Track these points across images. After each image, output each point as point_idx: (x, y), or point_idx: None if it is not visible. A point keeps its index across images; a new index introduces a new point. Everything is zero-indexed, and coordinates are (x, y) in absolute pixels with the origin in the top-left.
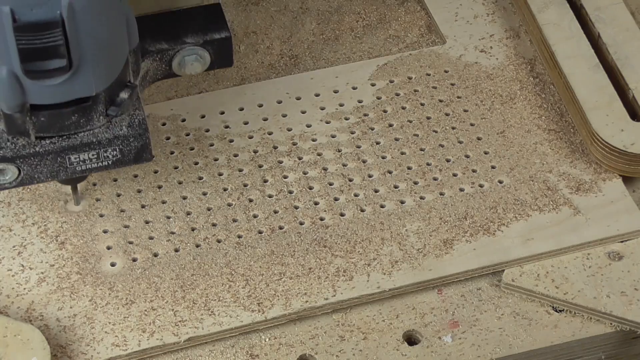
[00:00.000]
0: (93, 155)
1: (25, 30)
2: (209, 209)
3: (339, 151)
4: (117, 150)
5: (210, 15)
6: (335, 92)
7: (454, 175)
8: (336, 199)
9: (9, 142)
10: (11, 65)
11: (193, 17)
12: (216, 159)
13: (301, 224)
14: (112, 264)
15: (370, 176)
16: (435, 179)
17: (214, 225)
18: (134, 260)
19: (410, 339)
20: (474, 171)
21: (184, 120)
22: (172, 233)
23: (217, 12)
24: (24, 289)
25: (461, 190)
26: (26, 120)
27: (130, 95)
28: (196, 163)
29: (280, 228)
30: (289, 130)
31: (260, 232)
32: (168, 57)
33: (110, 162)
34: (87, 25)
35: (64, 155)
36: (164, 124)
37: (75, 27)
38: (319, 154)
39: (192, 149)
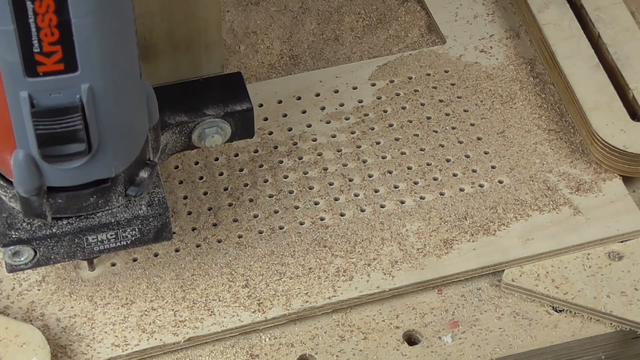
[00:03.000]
0: (111, 235)
1: (44, 115)
2: (209, 209)
3: (339, 151)
4: (137, 229)
5: (231, 85)
6: (335, 92)
7: (454, 175)
8: (336, 199)
9: (24, 224)
10: (29, 149)
11: (213, 87)
12: (216, 159)
13: (301, 224)
14: (113, 264)
15: (370, 176)
16: (435, 179)
17: (214, 225)
18: (134, 260)
19: (410, 339)
20: (474, 171)
21: None
22: (172, 233)
23: (238, 81)
24: (24, 289)
25: (461, 190)
26: (43, 203)
27: (150, 174)
28: (196, 163)
29: (281, 228)
30: (289, 130)
31: (260, 232)
32: (188, 130)
33: (129, 242)
34: (106, 108)
35: (81, 236)
36: None
37: (94, 111)
38: (319, 154)
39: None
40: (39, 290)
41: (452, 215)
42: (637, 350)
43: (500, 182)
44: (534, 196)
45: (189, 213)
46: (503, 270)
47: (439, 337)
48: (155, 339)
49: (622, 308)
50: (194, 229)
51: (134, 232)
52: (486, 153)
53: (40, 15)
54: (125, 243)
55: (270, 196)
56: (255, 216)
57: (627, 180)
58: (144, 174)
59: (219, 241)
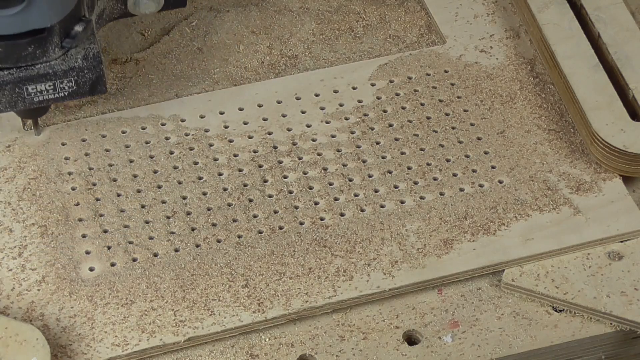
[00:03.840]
0: (49, 86)
1: None
2: (209, 209)
3: (339, 151)
4: (73, 81)
5: None
6: (335, 92)
7: (454, 175)
8: (336, 199)
9: None
10: None
11: None
12: (216, 159)
13: (301, 224)
14: (112, 264)
15: (370, 176)
16: (435, 179)
17: (214, 225)
18: (134, 260)
19: (410, 339)
20: (474, 171)
21: (183, 120)
22: (172, 233)
23: None
24: (24, 289)
25: (461, 190)
26: None
27: (84, 28)
28: (196, 163)
29: (280, 228)
30: (289, 130)
31: (260, 232)
32: None
33: (66, 94)
34: None
35: (21, 86)
36: (163, 124)
37: None
38: (319, 154)
39: (192, 149)
40: (38, 290)
41: (452, 215)
42: (637, 350)
43: (500, 182)
44: (534, 196)
45: (189, 213)
46: (503, 270)
47: (439, 337)
48: (155, 338)
49: (622, 308)
50: (193, 229)
51: (70, 83)
52: (486, 153)
53: None
54: (62, 95)
55: (270, 196)
56: (255, 216)
57: (627, 180)
58: (78, 27)
59: (219, 241)
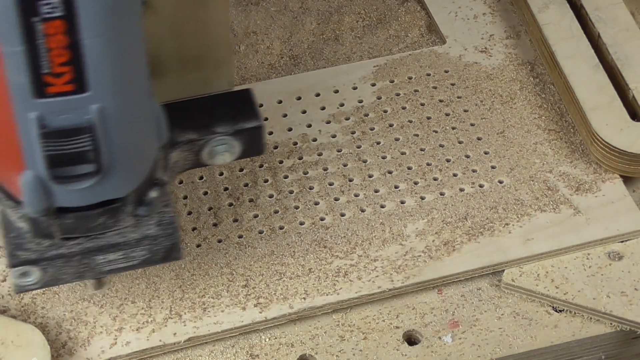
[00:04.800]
0: (120, 255)
1: (53, 136)
2: (209, 209)
3: (339, 151)
4: (146, 249)
5: (241, 102)
6: (336, 92)
7: (454, 175)
8: (336, 199)
9: (33, 244)
10: (37, 170)
11: (222, 104)
12: None
13: (301, 224)
14: None
15: (370, 176)
16: (435, 179)
17: (214, 225)
18: None
19: (410, 339)
20: (474, 171)
21: None
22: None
23: (248, 98)
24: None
25: (461, 190)
26: (52, 223)
27: (159, 193)
28: None
29: (281, 228)
30: (289, 130)
31: (260, 232)
32: (197, 148)
33: (137, 262)
34: (117, 128)
35: (90, 257)
36: None
37: (104, 131)
38: (319, 154)
39: None
40: (39, 290)
41: (452, 215)
42: (637, 350)
43: (501, 182)
44: (534, 196)
45: (189, 213)
46: (503, 270)
47: (439, 337)
48: (155, 339)
49: (622, 308)
50: (194, 229)
51: (143, 252)
52: (486, 153)
53: (50, 36)
54: (134, 263)
55: (270, 196)
56: (255, 216)
57: (627, 180)
58: (153, 193)
59: (219, 241)
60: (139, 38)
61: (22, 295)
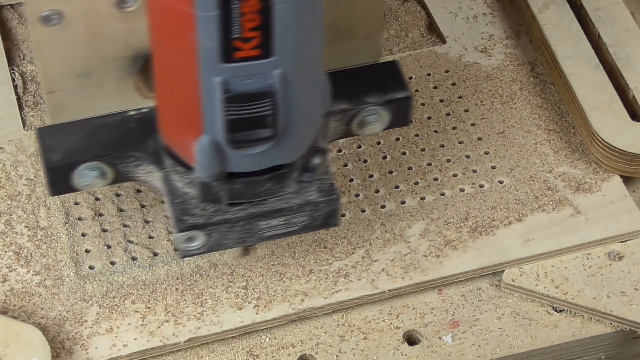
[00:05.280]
0: (282, 221)
1: (236, 101)
2: None
3: (339, 151)
4: (307, 215)
5: (389, 73)
6: None
7: (454, 175)
8: None
9: (199, 209)
10: (215, 135)
11: (371, 75)
12: None
13: None
14: (112, 263)
15: (370, 176)
16: (435, 179)
17: None
18: (134, 259)
19: (411, 339)
20: (474, 171)
21: None
22: (172, 232)
23: (395, 69)
24: (24, 288)
25: (461, 190)
26: (221, 188)
27: (322, 160)
28: None
29: None
30: None
31: None
32: (348, 117)
33: (297, 228)
34: (294, 94)
35: (254, 222)
36: None
37: (284, 97)
38: None
39: None
40: (38, 289)
41: (453, 215)
42: (637, 350)
43: (501, 182)
44: (534, 196)
45: None
46: (503, 271)
47: (439, 337)
48: (156, 339)
49: (622, 308)
50: None
51: (304, 217)
52: (486, 153)
53: (244, 1)
54: (294, 229)
55: None
56: None
57: (627, 180)
58: (316, 160)
59: None
60: (321, 5)
61: (22, 295)
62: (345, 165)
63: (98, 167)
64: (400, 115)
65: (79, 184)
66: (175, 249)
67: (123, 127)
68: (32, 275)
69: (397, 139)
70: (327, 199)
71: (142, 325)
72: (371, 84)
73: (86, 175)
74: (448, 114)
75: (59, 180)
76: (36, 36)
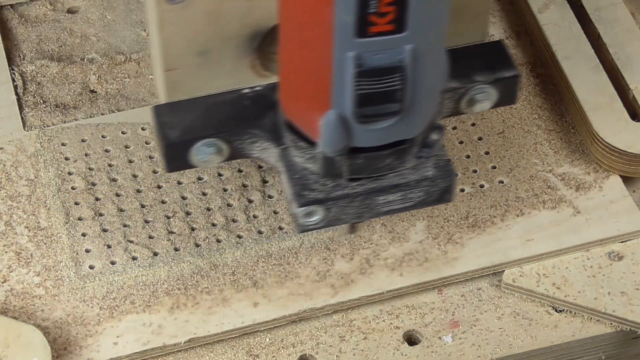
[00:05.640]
0: (399, 196)
1: (367, 75)
2: (208, 209)
3: None
4: (423, 191)
5: (495, 52)
6: None
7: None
8: None
9: (318, 184)
10: (342, 109)
11: (479, 55)
12: None
13: None
14: (112, 263)
15: None
16: None
17: (214, 225)
18: (134, 259)
19: (411, 339)
20: (474, 171)
21: None
22: (172, 233)
23: (501, 49)
24: (25, 289)
25: (462, 190)
26: (343, 164)
27: (440, 136)
28: None
29: (281, 229)
30: None
31: (260, 233)
32: (458, 96)
33: (413, 204)
34: (422, 69)
35: (372, 197)
36: None
37: (413, 71)
38: None
39: None
40: (39, 290)
41: (453, 215)
42: (637, 350)
43: (501, 182)
44: (534, 196)
45: (189, 213)
46: (503, 271)
47: (439, 337)
48: (156, 339)
49: (623, 308)
50: (193, 229)
51: (420, 193)
52: (486, 153)
53: None
54: (410, 204)
55: (270, 197)
56: (255, 217)
57: (627, 180)
58: (434, 136)
59: (219, 241)
60: None
61: (22, 295)
62: None
63: (215, 144)
64: (508, 94)
65: (196, 160)
66: (295, 224)
67: (238, 105)
68: (33, 275)
69: None
70: (444, 174)
71: (142, 325)
72: (480, 63)
73: (203, 151)
74: None
75: (177, 157)
76: (159, 15)
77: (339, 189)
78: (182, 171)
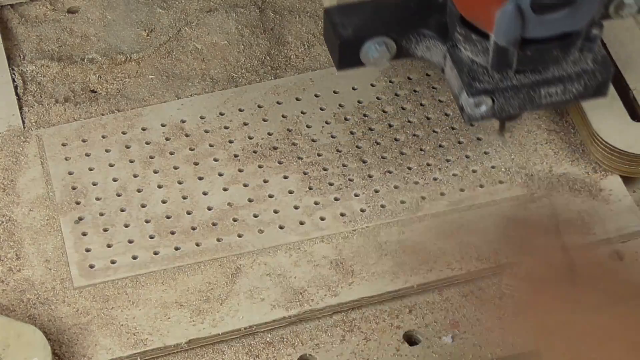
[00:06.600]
0: (560, 89)
1: None
2: (209, 209)
3: (339, 151)
4: (582, 84)
5: None
6: (335, 92)
7: (454, 175)
8: (336, 199)
9: (485, 76)
10: (520, 0)
11: None
12: (216, 160)
13: (301, 223)
14: (112, 262)
15: (370, 176)
16: (435, 179)
17: (213, 224)
18: (134, 258)
19: (411, 340)
20: (474, 171)
21: (184, 121)
22: (173, 233)
23: None
24: (26, 289)
25: (462, 190)
26: (514, 55)
27: (600, 31)
28: (196, 163)
29: (281, 228)
30: (289, 130)
31: (260, 232)
32: (607, 0)
33: (571, 96)
34: None
35: (536, 89)
36: (164, 125)
37: None
38: (319, 154)
39: (192, 149)
40: (39, 290)
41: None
42: None
43: (501, 182)
44: (534, 196)
45: (189, 213)
46: (504, 271)
47: (440, 337)
48: (156, 340)
49: None
50: (193, 229)
51: (578, 86)
52: (486, 153)
53: None
54: (568, 97)
55: (270, 196)
56: (255, 216)
57: (627, 180)
58: (596, 31)
59: (219, 241)
60: None
61: (23, 295)
62: (345, 165)
63: (385, 42)
64: None
65: (366, 58)
66: (463, 115)
67: (405, 7)
68: (33, 275)
69: (397, 139)
70: (600, 68)
71: (142, 326)
72: None
73: (374, 50)
74: (448, 114)
75: (348, 55)
76: None
77: (506, 80)
78: (184, 171)
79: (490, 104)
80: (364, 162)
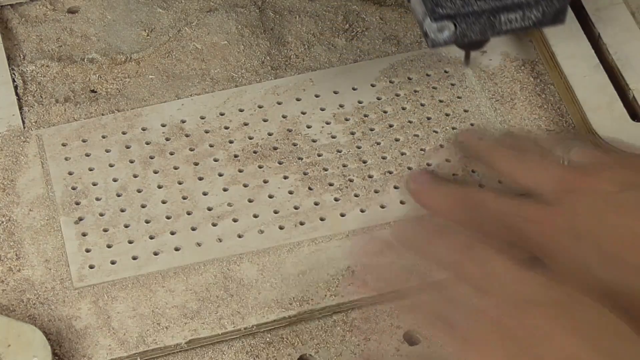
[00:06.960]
0: (519, 15)
1: None
2: (209, 209)
3: (339, 151)
4: (540, 11)
5: None
6: (335, 92)
7: (454, 175)
8: (336, 200)
9: (449, 2)
10: None
11: None
12: (216, 160)
13: (301, 224)
14: (112, 262)
15: (370, 177)
16: None
17: (213, 225)
18: (134, 259)
19: (411, 340)
20: (473, 172)
21: (184, 121)
22: (173, 233)
23: None
24: (25, 288)
25: None
26: None
27: None
28: (196, 163)
29: (281, 228)
30: (289, 131)
31: (260, 232)
32: None
33: (531, 22)
34: None
35: (496, 15)
36: (164, 125)
37: None
38: (319, 155)
39: (192, 149)
40: (39, 290)
41: None
42: None
43: (500, 182)
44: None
45: (189, 213)
46: None
47: None
48: (156, 340)
49: None
50: (193, 229)
51: (537, 12)
52: None
53: None
54: (527, 23)
55: (270, 197)
56: (256, 216)
57: None
58: None
59: (219, 240)
60: None
61: (23, 295)
62: (345, 165)
63: None
64: None
65: None
66: (426, 40)
67: None
68: (33, 275)
69: (397, 139)
70: None
71: (142, 326)
72: None
73: None
74: (448, 114)
75: None
76: None
77: (467, 6)
78: (184, 171)
79: (452, 29)
80: (364, 162)
